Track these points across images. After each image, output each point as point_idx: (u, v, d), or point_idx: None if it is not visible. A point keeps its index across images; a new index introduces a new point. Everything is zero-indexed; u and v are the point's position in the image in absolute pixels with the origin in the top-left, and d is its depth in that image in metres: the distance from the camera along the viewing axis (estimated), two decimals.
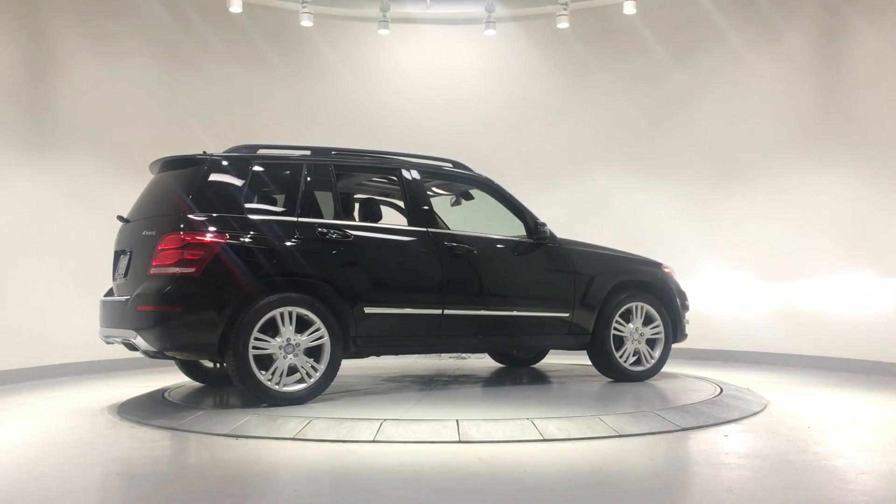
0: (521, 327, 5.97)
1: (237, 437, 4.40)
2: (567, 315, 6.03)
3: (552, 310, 6.00)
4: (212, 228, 4.96)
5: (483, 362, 8.05)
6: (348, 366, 7.46)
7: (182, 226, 4.94)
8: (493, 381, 6.48)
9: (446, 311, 5.58)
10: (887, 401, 5.90)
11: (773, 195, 8.47)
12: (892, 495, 3.30)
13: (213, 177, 5.20)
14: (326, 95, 9.55)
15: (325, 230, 5.28)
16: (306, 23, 9.04)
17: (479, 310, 5.77)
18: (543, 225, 6.02)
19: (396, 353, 5.95)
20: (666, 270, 6.60)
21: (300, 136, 8.69)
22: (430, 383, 6.30)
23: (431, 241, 5.62)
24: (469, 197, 6.39)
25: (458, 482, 3.49)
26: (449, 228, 6.44)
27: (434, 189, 6.68)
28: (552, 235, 6.08)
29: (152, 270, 4.96)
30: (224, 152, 5.46)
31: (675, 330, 6.46)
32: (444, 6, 9.72)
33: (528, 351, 7.41)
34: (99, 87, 8.16)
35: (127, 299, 5.12)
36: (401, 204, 6.24)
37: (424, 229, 5.66)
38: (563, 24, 9.09)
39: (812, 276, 8.16)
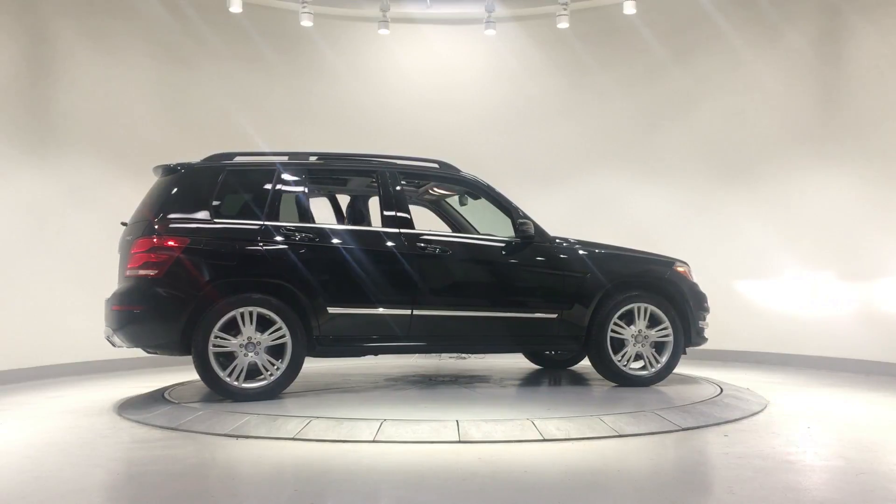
0: (500, 328, 5.85)
1: (237, 437, 4.40)
2: (555, 316, 5.86)
3: (537, 310, 5.86)
4: (176, 233, 5.27)
5: (484, 362, 8.04)
6: (348, 366, 7.49)
7: (150, 231, 5.29)
8: (493, 382, 6.47)
9: (416, 312, 5.57)
10: (887, 400, 5.90)
11: (772, 195, 8.47)
12: (892, 495, 3.30)
13: (186, 184, 5.53)
14: (326, 95, 9.55)
15: (289, 232, 5.43)
16: (306, 23, 9.03)
17: (453, 310, 5.71)
18: (524, 223, 5.83)
19: (364, 353, 5.88)
20: (679, 270, 6.23)
21: (300, 135, 8.71)
22: (430, 383, 6.30)
23: (402, 243, 5.61)
24: (476, 196, 6.33)
25: (458, 482, 3.49)
26: (476, 230, 6.48)
27: (435, 190, 6.68)
28: (540, 233, 5.93)
29: (127, 273, 5.37)
30: (202, 160, 5.69)
31: (688, 333, 6.07)
32: (444, 6, 9.72)
33: (567, 353, 7.03)
34: (99, 87, 8.15)
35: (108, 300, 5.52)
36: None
37: (396, 230, 5.66)
38: (563, 24, 9.08)
39: (810, 276, 8.16)
